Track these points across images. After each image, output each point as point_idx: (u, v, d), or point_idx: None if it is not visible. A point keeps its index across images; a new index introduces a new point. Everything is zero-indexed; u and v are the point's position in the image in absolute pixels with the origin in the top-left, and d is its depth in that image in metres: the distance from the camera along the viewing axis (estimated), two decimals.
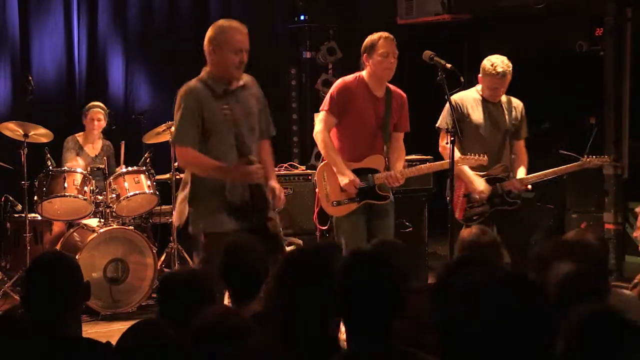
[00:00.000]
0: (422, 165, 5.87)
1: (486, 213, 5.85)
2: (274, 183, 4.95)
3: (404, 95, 5.72)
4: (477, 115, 5.86)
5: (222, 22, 4.88)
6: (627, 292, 4.18)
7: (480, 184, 5.81)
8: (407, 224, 7.26)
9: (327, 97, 5.64)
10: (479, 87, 5.92)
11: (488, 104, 5.89)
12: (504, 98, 5.93)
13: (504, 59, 5.78)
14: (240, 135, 4.77)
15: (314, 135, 5.67)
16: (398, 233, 7.07)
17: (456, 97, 5.83)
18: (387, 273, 2.60)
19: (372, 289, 2.53)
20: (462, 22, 8.79)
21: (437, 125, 5.87)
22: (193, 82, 4.84)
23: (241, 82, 4.87)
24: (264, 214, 4.85)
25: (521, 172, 5.91)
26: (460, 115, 5.76)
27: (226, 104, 4.75)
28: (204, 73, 4.86)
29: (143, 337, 2.66)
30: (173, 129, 4.86)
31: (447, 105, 5.71)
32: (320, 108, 5.67)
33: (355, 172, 5.56)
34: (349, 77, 5.67)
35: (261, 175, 4.76)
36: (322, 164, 5.70)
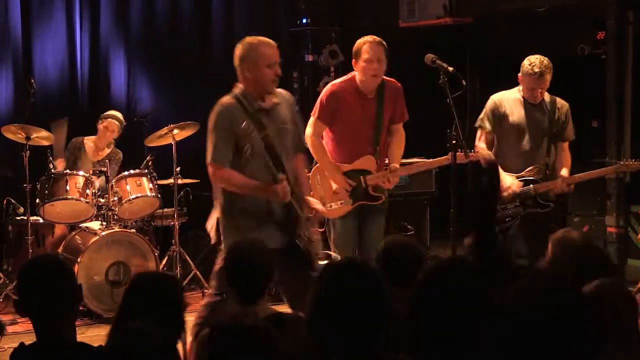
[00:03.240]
0: (415, 164, 5.82)
1: (519, 214, 5.80)
2: (308, 198, 4.94)
3: (399, 84, 5.70)
4: (516, 115, 5.81)
5: (250, 39, 4.86)
6: None
7: (508, 180, 5.78)
8: (409, 227, 7.26)
9: (317, 102, 5.68)
10: (520, 87, 5.87)
11: (529, 104, 5.82)
12: (547, 98, 5.86)
13: (544, 59, 5.72)
14: (274, 154, 4.76)
15: (305, 139, 5.69)
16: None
17: (496, 96, 5.85)
18: (377, 284, 2.58)
19: (362, 300, 2.52)
20: (464, 26, 8.79)
21: (475, 124, 5.90)
22: (227, 99, 4.80)
23: (275, 100, 4.84)
24: (294, 231, 4.82)
25: (564, 173, 5.82)
26: (498, 115, 5.77)
27: (260, 123, 4.72)
28: (237, 90, 4.81)
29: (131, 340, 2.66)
30: (208, 146, 4.74)
31: (488, 103, 5.75)
32: (311, 113, 5.70)
33: (347, 174, 5.58)
34: (339, 80, 5.72)
35: (287, 194, 4.70)
36: (314, 167, 5.72)
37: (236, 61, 4.82)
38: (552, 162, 5.90)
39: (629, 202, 7.78)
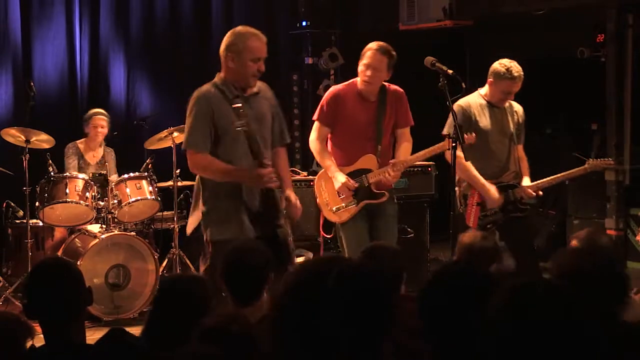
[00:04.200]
0: (417, 154, 5.73)
1: (500, 221, 5.80)
2: (289, 192, 4.93)
3: (401, 90, 5.70)
4: (484, 121, 5.79)
5: (240, 28, 4.86)
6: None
7: (494, 192, 5.76)
8: (409, 229, 7.25)
9: (319, 107, 5.70)
10: (481, 91, 5.87)
11: (494, 108, 5.83)
12: (505, 103, 5.89)
13: (516, 63, 5.72)
14: (254, 141, 4.75)
15: (309, 143, 5.70)
16: (400, 239, 7.07)
17: (462, 103, 5.78)
18: (380, 289, 2.58)
19: (364, 306, 2.51)
20: (463, 29, 8.80)
21: (442, 132, 5.83)
22: (206, 87, 4.83)
23: (255, 89, 4.86)
24: (274, 221, 4.84)
25: (526, 180, 5.87)
26: (468, 121, 5.73)
27: (239, 111, 4.71)
28: (217, 78, 4.84)
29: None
30: (185, 133, 4.78)
31: (458, 111, 5.72)
32: (313, 117, 5.72)
33: (349, 175, 5.58)
34: (341, 85, 5.75)
35: (274, 179, 4.72)
36: (318, 173, 5.76)
37: (222, 48, 4.81)
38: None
39: (628, 205, 7.78)
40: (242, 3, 9.25)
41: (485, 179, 5.78)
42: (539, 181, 5.87)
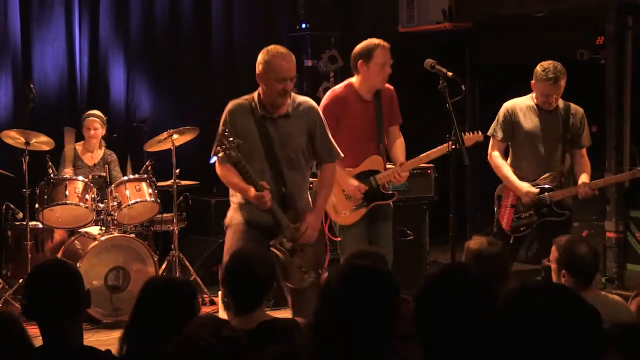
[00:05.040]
0: (422, 155, 5.74)
1: (534, 224, 5.73)
2: (309, 217, 4.91)
3: (392, 87, 5.71)
4: (529, 123, 5.73)
5: (270, 48, 4.88)
6: (611, 295, 4.20)
7: (526, 186, 5.69)
8: (408, 232, 7.25)
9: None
10: (533, 94, 5.79)
11: (542, 111, 5.73)
12: (561, 104, 5.76)
13: (557, 64, 5.63)
14: (274, 162, 4.82)
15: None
16: (399, 241, 7.07)
17: (508, 104, 5.79)
18: (387, 289, 2.58)
19: (371, 306, 2.51)
20: (463, 31, 8.80)
21: (488, 132, 5.85)
22: (241, 99, 4.91)
23: (285, 110, 4.87)
24: (270, 237, 4.86)
25: (584, 179, 5.74)
26: (509, 123, 5.73)
27: (265, 129, 4.81)
28: (255, 93, 4.91)
29: None
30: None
31: (501, 111, 5.76)
32: None
33: (356, 177, 5.57)
34: (338, 87, 5.73)
35: (266, 203, 4.72)
36: None
37: (256, 66, 4.88)
38: (566, 170, 5.85)
39: (628, 207, 7.77)
40: (242, 5, 9.25)
41: (523, 179, 5.72)
42: (595, 180, 5.77)
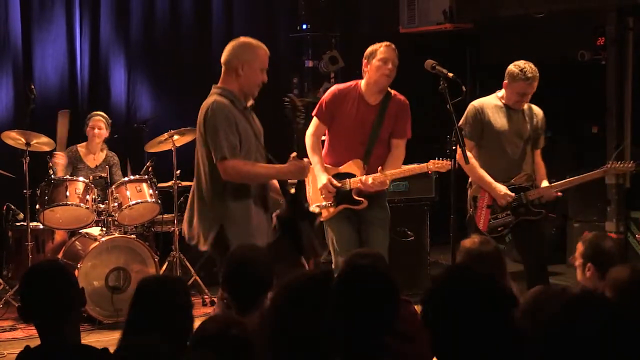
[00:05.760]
0: (400, 169, 5.69)
1: (511, 224, 5.73)
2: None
3: (406, 101, 5.69)
4: (499, 122, 5.73)
5: (248, 39, 4.83)
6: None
7: (502, 188, 5.69)
8: (409, 232, 7.26)
9: (319, 103, 5.73)
10: (499, 93, 5.80)
11: (510, 111, 5.75)
12: (525, 105, 5.79)
13: (531, 64, 5.65)
14: (263, 149, 4.82)
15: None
16: (399, 242, 7.08)
17: (476, 103, 5.78)
18: (386, 289, 2.58)
19: (372, 306, 2.51)
20: (464, 31, 8.80)
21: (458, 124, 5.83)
22: (218, 99, 4.68)
23: (250, 102, 4.85)
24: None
25: (545, 183, 5.78)
26: (479, 122, 5.71)
27: (249, 121, 4.77)
28: (219, 90, 4.75)
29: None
30: (217, 146, 4.58)
31: (469, 110, 5.74)
32: (312, 113, 5.76)
33: (335, 177, 5.60)
34: (345, 84, 5.75)
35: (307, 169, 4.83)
36: (310, 166, 5.71)
37: (229, 57, 4.76)
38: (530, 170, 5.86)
39: (628, 208, 7.78)
40: (242, 6, 9.25)
41: (496, 180, 5.71)
42: (557, 182, 5.80)
